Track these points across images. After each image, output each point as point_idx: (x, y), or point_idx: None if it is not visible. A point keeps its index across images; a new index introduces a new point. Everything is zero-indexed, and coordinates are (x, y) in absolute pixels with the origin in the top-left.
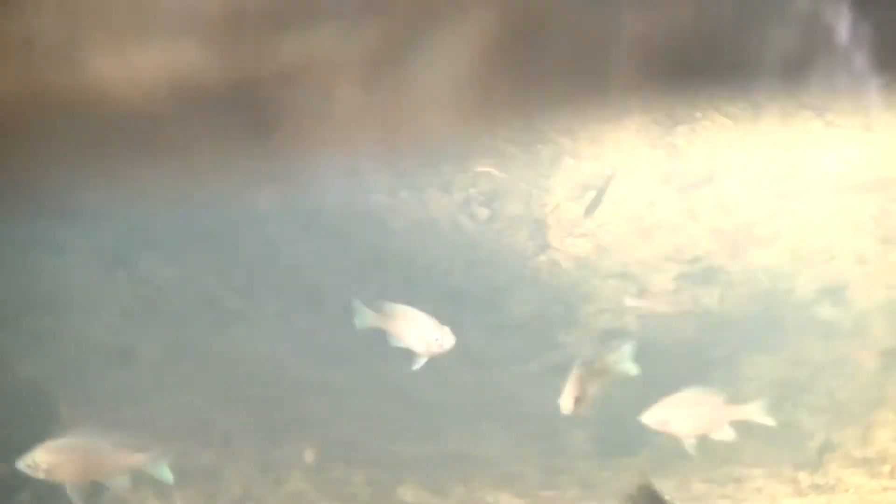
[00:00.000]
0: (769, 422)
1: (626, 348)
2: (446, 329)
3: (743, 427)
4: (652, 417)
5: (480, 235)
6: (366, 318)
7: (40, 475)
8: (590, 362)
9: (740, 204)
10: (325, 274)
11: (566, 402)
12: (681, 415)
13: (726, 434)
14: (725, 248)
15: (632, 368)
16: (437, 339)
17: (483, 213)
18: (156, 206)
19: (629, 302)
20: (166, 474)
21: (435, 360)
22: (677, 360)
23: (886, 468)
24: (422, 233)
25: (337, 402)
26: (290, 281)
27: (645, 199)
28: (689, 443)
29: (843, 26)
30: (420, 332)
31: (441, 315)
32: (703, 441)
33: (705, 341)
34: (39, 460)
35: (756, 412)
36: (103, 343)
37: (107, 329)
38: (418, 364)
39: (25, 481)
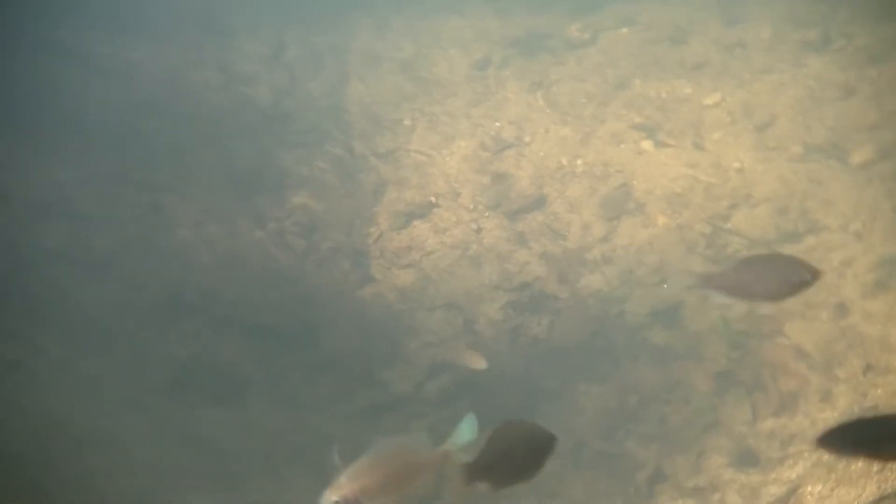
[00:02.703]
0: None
1: (466, 426)
2: None
3: (569, 457)
4: None
5: (297, 269)
6: None
7: None
8: (404, 445)
9: (570, 228)
10: (119, 316)
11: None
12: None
13: None
14: (555, 273)
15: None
16: None
17: (300, 244)
18: None
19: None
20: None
21: (241, 401)
22: (505, 394)
23: (716, 497)
24: (230, 268)
25: (125, 456)
26: (77, 324)
27: (472, 226)
28: None
29: None
30: None
31: (251, 355)
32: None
33: (534, 372)
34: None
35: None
36: None
37: None
38: None
39: None
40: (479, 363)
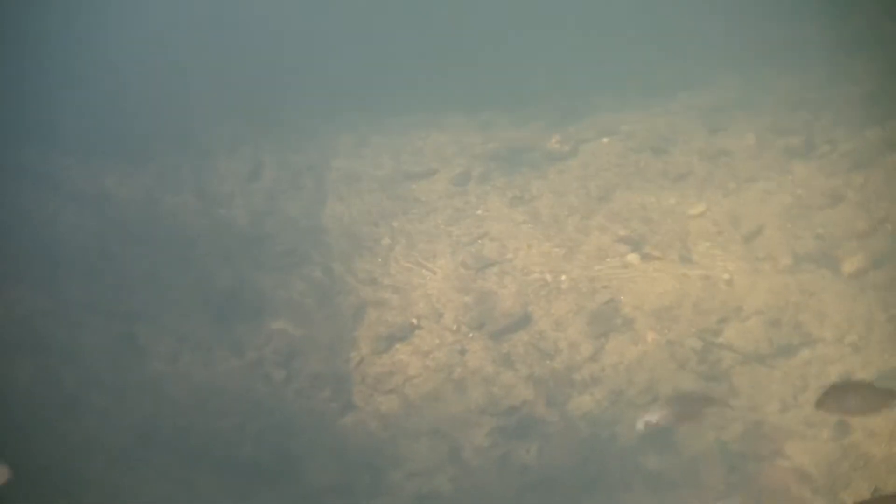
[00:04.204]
0: None
1: None
2: None
3: None
4: None
5: (276, 399)
6: None
7: None
8: None
9: (557, 347)
10: (88, 457)
11: None
12: None
13: None
14: (542, 396)
15: None
16: None
17: (279, 373)
18: None
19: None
20: None
21: None
22: None
23: None
24: (206, 401)
25: None
26: (44, 469)
27: (455, 348)
28: None
29: None
30: None
31: (228, 492)
32: None
33: (526, 502)
34: None
35: None
36: None
37: None
38: None
39: None
40: None
